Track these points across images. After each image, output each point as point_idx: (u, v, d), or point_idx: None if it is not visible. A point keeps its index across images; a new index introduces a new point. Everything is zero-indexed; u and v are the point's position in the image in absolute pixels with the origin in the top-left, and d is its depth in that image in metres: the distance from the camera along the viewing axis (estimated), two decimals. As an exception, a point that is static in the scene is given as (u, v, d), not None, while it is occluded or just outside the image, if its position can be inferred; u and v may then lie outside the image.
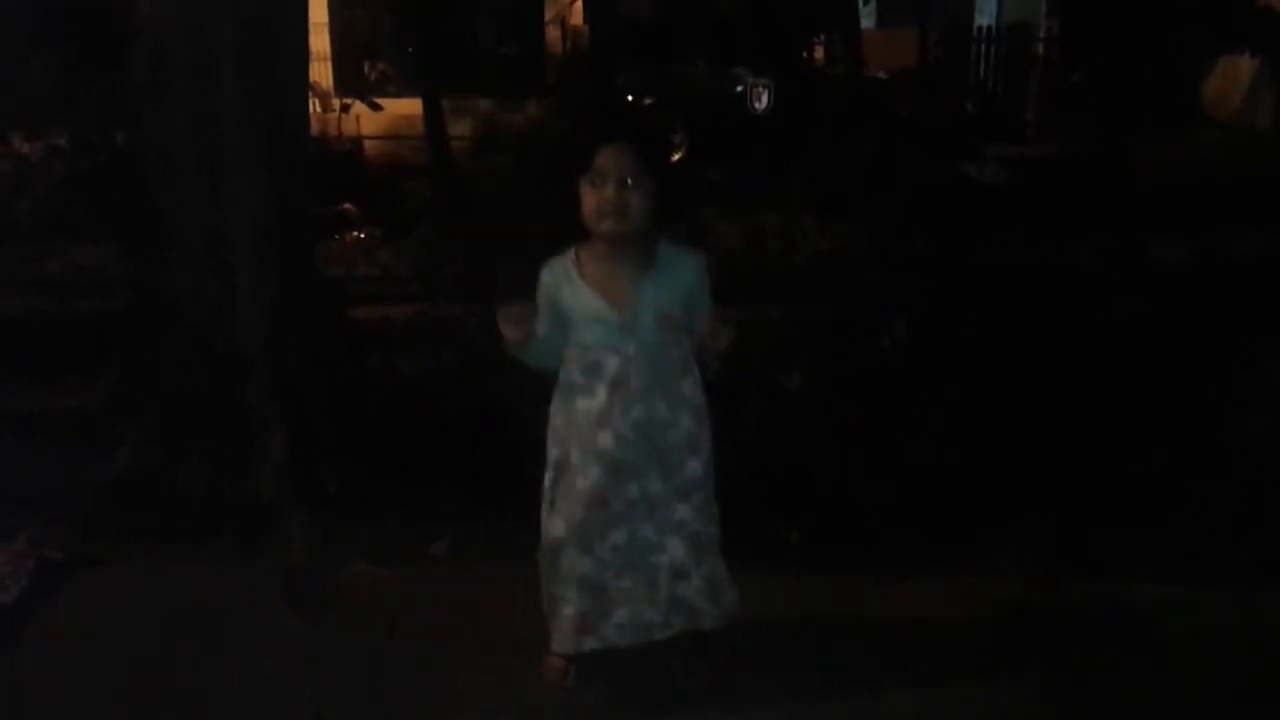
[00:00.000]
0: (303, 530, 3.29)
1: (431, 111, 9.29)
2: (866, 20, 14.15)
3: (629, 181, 2.31)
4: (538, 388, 2.56)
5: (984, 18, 15.96)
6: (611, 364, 2.37)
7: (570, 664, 2.56)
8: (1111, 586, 2.98)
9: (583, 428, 2.40)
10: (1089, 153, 8.96)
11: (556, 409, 2.47)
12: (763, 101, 10.04)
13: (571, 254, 2.43)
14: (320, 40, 13.13)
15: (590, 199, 2.33)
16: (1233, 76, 13.29)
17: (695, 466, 2.45)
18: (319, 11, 13.34)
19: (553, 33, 15.25)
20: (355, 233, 7.36)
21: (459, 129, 9.71)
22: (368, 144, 11.03)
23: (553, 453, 2.48)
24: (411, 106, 10.65)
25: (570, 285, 2.40)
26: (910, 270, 4.61)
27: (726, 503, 2.53)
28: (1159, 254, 5.53)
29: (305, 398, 3.64)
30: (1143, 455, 3.54)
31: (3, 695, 2.59)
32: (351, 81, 13.31)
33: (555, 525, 2.46)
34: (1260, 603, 2.93)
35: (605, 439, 2.38)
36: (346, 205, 7.71)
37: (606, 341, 2.37)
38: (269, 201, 3.57)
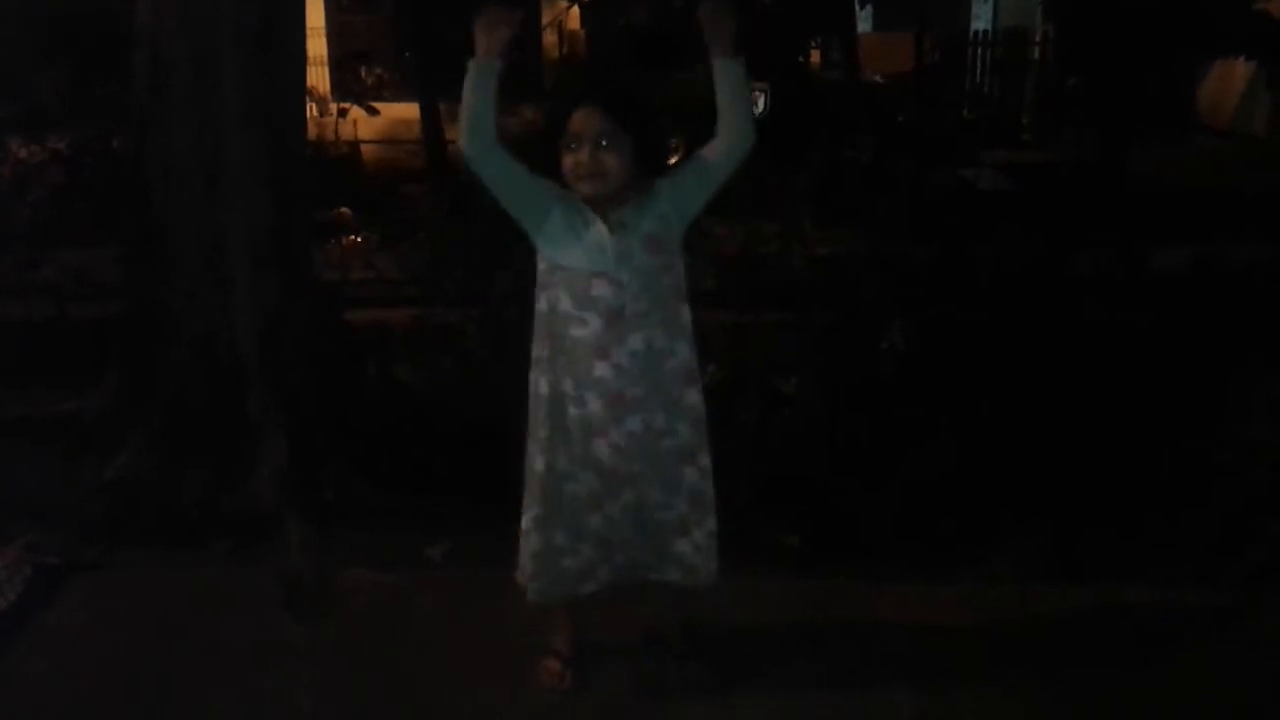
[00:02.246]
0: (300, 536, 3.29)
1: (428, 115, 9.30)
2: (863, 24, 14.19)
3: (603, 142, 2.27)
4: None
5: (980, 22, 16.01)
6: (604, 292, 2.30)
7: (567, 667, 2.56)
8: (1109, 591, 2.98)
9: (577, 357, 2.33)
10: (1085, 157, 8.96)
11: (540, 340, 2.39)
12: (759, 106, 10.04)
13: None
14: (317, 45, 13.13)
15: (566, 161, 2.30)
16: (1228, 81, 13.32)
17: (694, 395, 2.40)
18: (315, 16, 13.35)
19: (549, 38, 15.28)
20: (352, 237, 7.35)
21: (455, 133, 9.75)
22: (364, 148, 11.03)
23: (540, 383, 2.39)
24: (408, 110, 10.66)
25: (577, 205, 2.33)
26: (907, 275, 4.61)
27: (724, 507, 2.52)
28: (1155, 255, 5.54)
29: (303, 403, 3.64)
30: (1140, 460, 3.54)
31: None
32: (348, 86, 13.34)
33: (558, 458, 2.38)
34: (1259, 607, 2.93)
35: (602, 369, 2.32)
36: (343, 209, 7.71)
37: (600, 265, 2.29)
38: (267, 207, 3.58)
